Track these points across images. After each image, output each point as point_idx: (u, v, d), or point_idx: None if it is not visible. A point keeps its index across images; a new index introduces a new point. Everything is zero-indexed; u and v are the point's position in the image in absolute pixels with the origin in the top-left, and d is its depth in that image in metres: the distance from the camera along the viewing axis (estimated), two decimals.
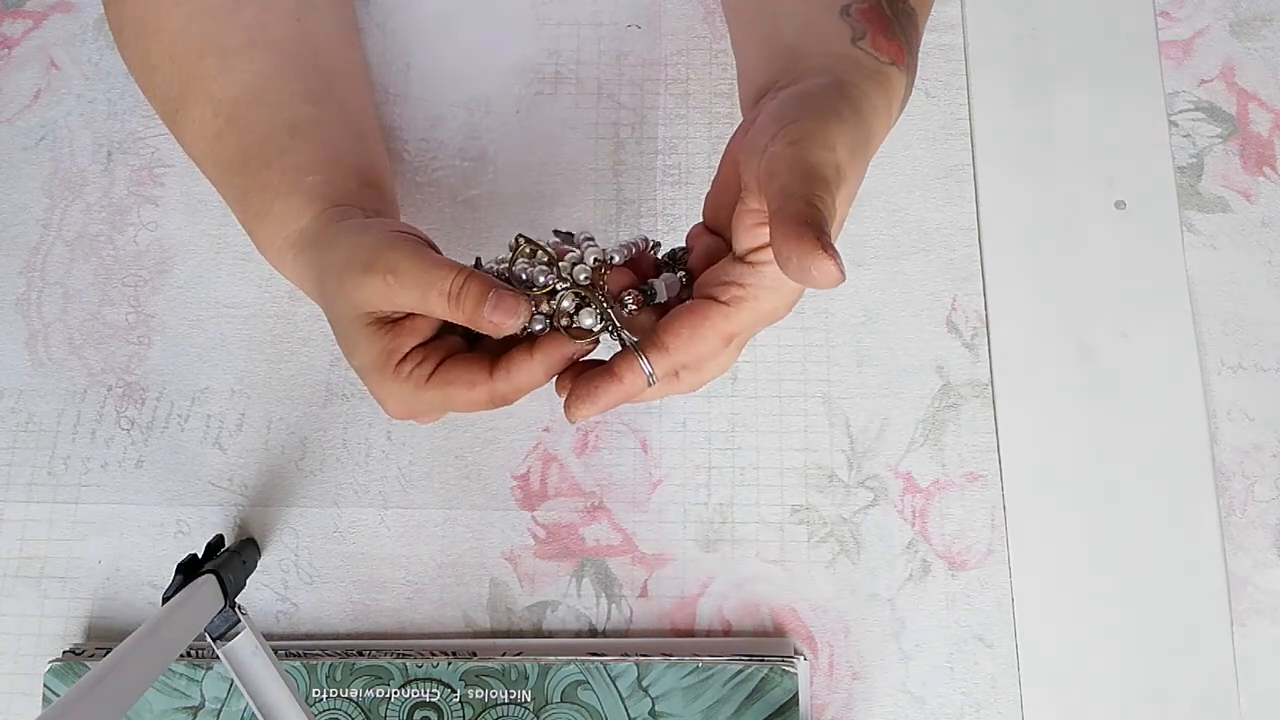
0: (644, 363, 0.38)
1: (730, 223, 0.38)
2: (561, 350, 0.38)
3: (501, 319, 0.37)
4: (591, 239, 0.40)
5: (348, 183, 0.46)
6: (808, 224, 0.32)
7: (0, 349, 0.54)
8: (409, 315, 0.40)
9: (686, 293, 0.40)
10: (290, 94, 0.48)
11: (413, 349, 0.40)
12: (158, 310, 0.55)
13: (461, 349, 0.41)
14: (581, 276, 0.38)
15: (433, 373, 0.39)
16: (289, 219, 0.45)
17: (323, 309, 0.43)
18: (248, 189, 0.47)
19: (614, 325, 0.38)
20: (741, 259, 0.38)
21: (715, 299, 0.38)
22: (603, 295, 0.38)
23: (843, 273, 0.32)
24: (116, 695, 0.36)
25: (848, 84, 0.38)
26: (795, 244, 0.32)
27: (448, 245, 0.54)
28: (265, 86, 0.48)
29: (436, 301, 0.38)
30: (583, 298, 0.38)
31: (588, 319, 0.38)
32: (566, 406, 0.39)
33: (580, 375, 0.39)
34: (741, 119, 0.41)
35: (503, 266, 0.40)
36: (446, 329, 0.41)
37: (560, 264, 0.39)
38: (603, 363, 0.39)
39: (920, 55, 0.57)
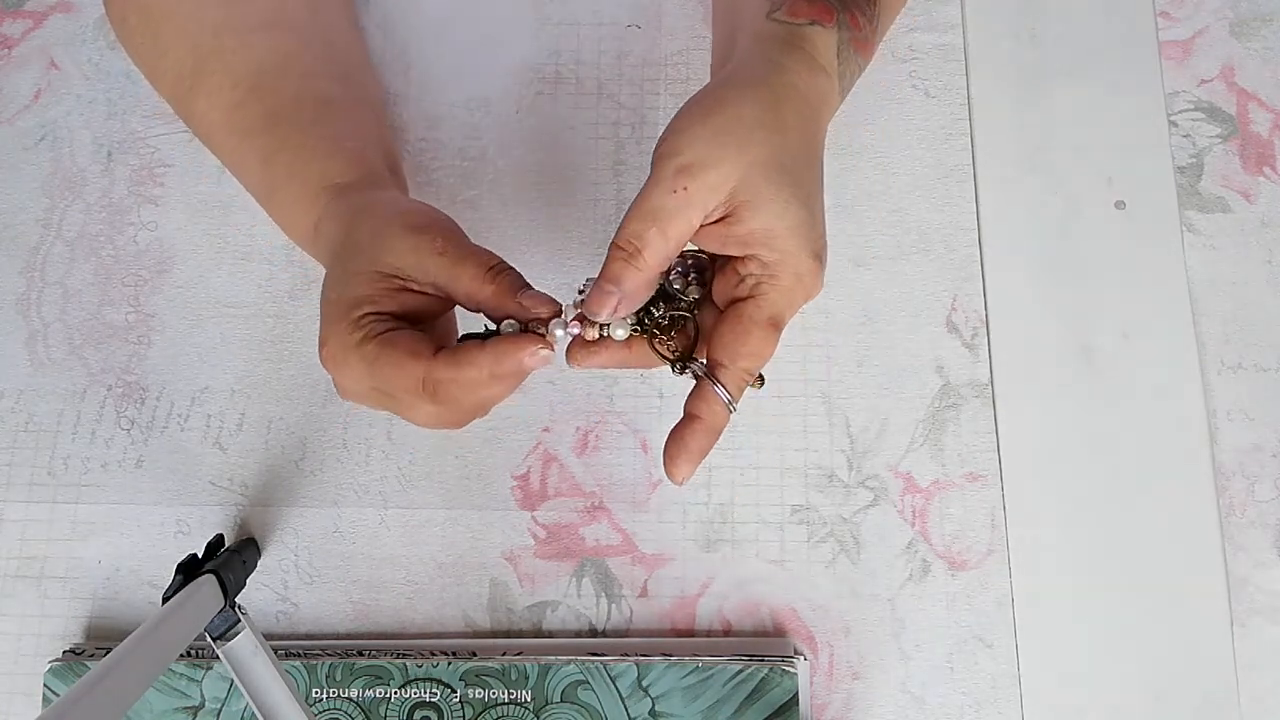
0: (720, 390, 0.38)
1: None
2: (516, 348, 0.37)
3: (533, 304, 0.38)
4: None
5: (379, 163, 0.47)
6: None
7: (0, 349, 0.54)
8: (412, 291, 0.39)
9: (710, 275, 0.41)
10: (315, 71, 0.49)
11: (387, 312, 0.39)
12: (158, 310, 0.55)
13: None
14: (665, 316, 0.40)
15: (382, 333, 0.38)
16: (330, 174, 0.45)
17: (332, 246, 0.42)
18: (275, 150, 0.46)
19: (684, 360, 0.39)
20: (736, 259, 0.39)
21: (738, 298, 0.39)
22: (664, 329, 0.40)
23: (604, 306, 0.37)
24: (116, 695, 0.36)
25: (747, 67, 0.40)
26: None
27: None
28: (288, 61, 0.48)
29: (471, 273, 0.38)
30: (649, 330, 0.40)
31: (620, 330, 0.39)
32: (669, 471, 0.39)
33: (668, 437, 0.39)
34: None
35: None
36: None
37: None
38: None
39: (920, 55, 0.57)
